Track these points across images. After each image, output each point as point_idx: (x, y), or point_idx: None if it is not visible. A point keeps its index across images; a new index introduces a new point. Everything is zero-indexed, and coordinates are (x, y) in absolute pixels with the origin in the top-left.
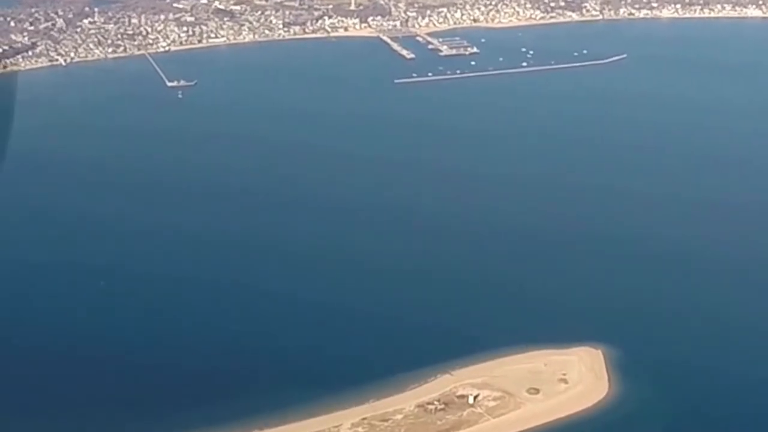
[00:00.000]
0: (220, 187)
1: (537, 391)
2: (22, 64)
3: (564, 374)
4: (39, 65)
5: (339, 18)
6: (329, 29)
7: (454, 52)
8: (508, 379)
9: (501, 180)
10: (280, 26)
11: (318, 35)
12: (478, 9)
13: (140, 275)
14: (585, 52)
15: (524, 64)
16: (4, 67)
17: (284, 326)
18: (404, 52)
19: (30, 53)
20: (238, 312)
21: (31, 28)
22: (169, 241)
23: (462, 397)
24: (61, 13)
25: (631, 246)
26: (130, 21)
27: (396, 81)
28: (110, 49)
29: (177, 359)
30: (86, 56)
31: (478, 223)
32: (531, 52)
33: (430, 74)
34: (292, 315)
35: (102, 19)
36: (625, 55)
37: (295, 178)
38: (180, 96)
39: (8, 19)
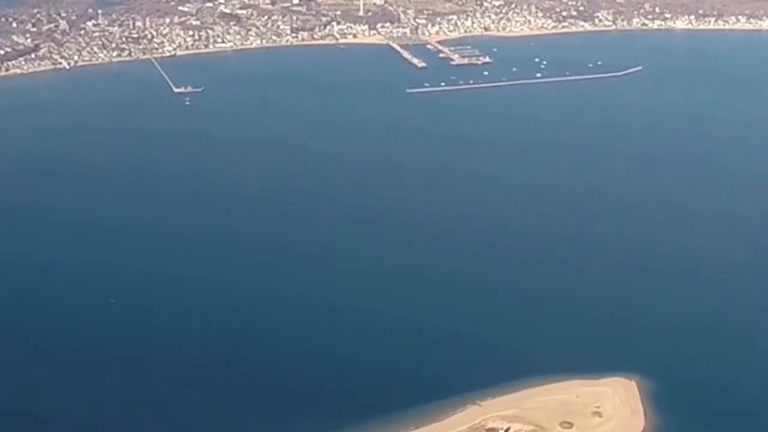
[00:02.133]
0: (243, 194)
1: (570, 425)
2: (25, 67)
3: (597, 407)
4: (42, 68)
5: (347, 24)
6: (338, 36)
7: (466, 61)
8: (539, 412)
9: (526, 190)
10: (288, 32)
11: (326, 42)
12: (489, 17)
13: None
14: (599, 63)
15: (538, 75)
16: (6, 69)
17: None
18: (415, 61)
19: (33, 56)
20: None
21: (34, 29)
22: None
23: (492, 430)
24: (64, 14)
25: (656, 261)
26: (134, 24)
27: (408, 90)
28: (115, 53)
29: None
30: (90, 60)
31: (500, 236)
32: (545, 62)
33: (442, 84)
34: (299, 339)
35: (106, 22)
36: (640, 67)
37: (314, 185)
38: (187, 102)
39: (10, 20)
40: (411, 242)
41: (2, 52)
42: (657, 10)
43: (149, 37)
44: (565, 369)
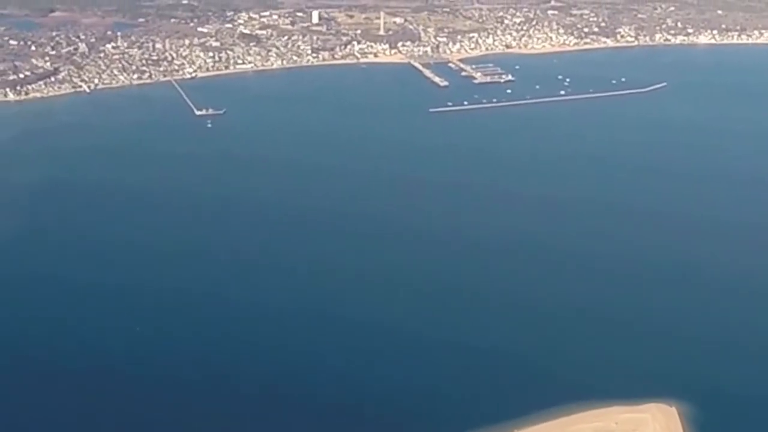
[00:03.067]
0: (273, 215)
1: None
2: (45, 91)
3: None
4: (62, 92)
5: (368, 43)
6: (358, 55)
7: (488, 79)
8: None
9: (566, 207)
10: (309, 52)
11: (347, 61)
12: (510, 35)
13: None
14: (623, 80)
15: (562, 92)
16: (27, 93)
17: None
18: (437, 79)
19: (53, 79)
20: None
21: (53, 52)
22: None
23: None
24: (83, 37)
25: (697, 279)
26: (154, 46)
27: (431, 110)
28: (135, 75)
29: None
30: (110, 82)
31: (535, 254)
32: (568, 79)
33: (465, 103)
34: (336, 361)
35: (125, 44)
36: (665, 84)
37: (345, 205)
38: (209, 125)
39: (29, 43)
40: (446, 260)
41: (22, 76)
42: (679, 25)
43: (169, 59)
44: (603, 394)
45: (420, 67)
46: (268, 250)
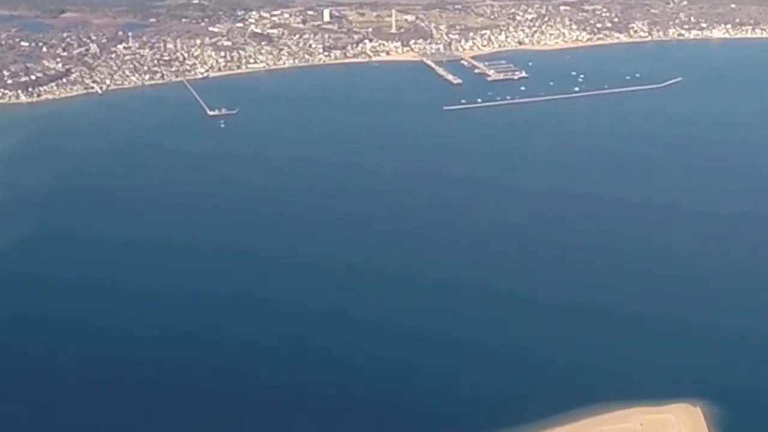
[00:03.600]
0: (297, 214)
1: None
2: (57, 92)
3: None
4: (74, 93)
5: (380, 41)
6: (371, 53)
7: (502, 76)
8: None
9: (590, 204)
10: (320, 50)
11: (359, 59)
12: (523, 31)
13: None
14: (638, 75)
15: (576, 89)
16: (38, 95)
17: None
18: (450, 77)
19: (64, 80)
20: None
21: (64, 53)
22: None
23: None
24: (94, 38)
25: (722, 277)
26: (165, 46)
27: (445, 108)
28: (147, 76)
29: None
30: (122, 83)
31: (558, 251)
32: (582, 76)
33: (479, 100)
34: (366, 360)
35: (136, 44)
36: (680, 79)
37: (371, 205)
38: (222, 125)
39: (40, 44)
40: (469, 258)
41: (34, 77)
42: (693, 19)
43: (181, 59)
44: (626, 395)
45: (433, 65)
46: (290, 249)
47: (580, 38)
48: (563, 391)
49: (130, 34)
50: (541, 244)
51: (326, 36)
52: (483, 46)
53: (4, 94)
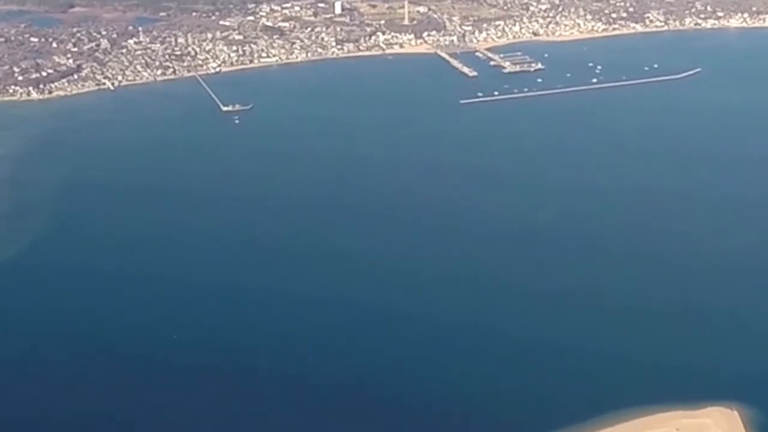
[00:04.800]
0: (317, 208)
1: None
2: (69, 89)
3: None
4: (86, 89)
5: (393, 34)
6: (384, 46)
7: (518, 68)
8: None
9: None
10: (333, 44)
11: (373, 52)
12: (537, 21)
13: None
14: (656, 66)
15: (594, 80)
16: (50, 92)
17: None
18: (466, 70)
19: (76, 76)
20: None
21: (75, 49)
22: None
23: None
24: (104, 32)
25: (750, 270)
26: (176, 41)
27: (462, 101)
28: (159, 71)
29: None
30: (134, 79)
31: (582, 246)
32: (599, 67)
33: (496, 93)
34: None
35: (147, 39)
36: (699, 69)
37: (398, 199)
38: (237, 121)
39: (50, 39)
40: (500, 254)
41: (45, 74)
42: (709, 8)
43: (193, 53)
44: (662, 398)
45: (447, 57)
46: (315, 242)
47: (595, 29)
48: (598, 394)
49: (140, 28)
50: (570, 239)
51: (338, 29)
52: (497, 37)
53: (15, 90)
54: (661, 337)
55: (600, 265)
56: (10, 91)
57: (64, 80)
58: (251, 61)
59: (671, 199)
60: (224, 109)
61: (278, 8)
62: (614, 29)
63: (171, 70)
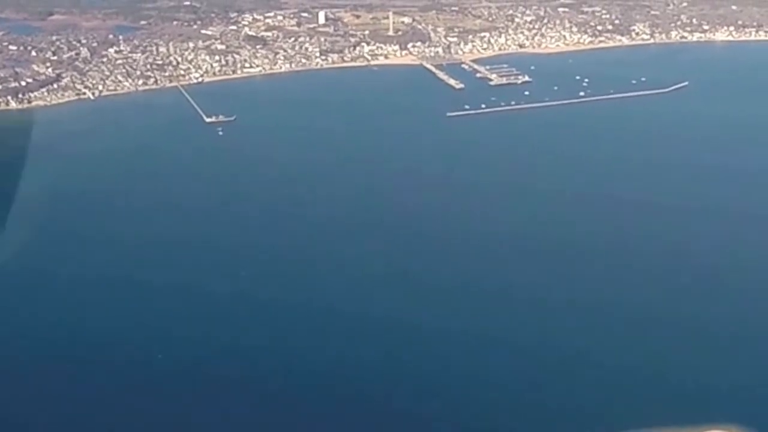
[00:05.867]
0: (308, 220)
1: None
2: (48, 98)
3: None
4: (66, 99)
5: (378, 45)
6: (369, 57)
7: (504, 81)
8: None
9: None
10: (317, 54)
11: (357, 63)
12: (523, 33)
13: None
14: (643, 79)
15: (581, 93)
16: (29, 101)
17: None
18: (452, 82)
19: (55, 86)
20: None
21: (54, 58)
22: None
23: None
24: (84, 41)
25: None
26: (158, 50)
27: (449, 114)
28: (140, 81)
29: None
30: (115, 89)
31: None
32: (586, 80)
33: (483, 106)
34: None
35: (128, 48)
36: (686, 83)
37: (391, 211)
38: (221, 133)
39: (29, 48)
40: (508, 266)
41: (24, 83)
42: (695, 21)
43: (174, 63)
44: (659, 419)
45: (433, 69)
46: (311, 254)
47: (581, 41)
48: (596, 413)
49: (120, 37)
50: (581, 250)
51: (322, 39)
52: (483, 49)
53: None
54: (662, 354)
55: (600, 276)
56: None
57: (43, 89)
58: (234, 72)
59: (658, 209)
60: (207, 120)
61: (261, 18)
62: (600, 42)
63: (152, 79)
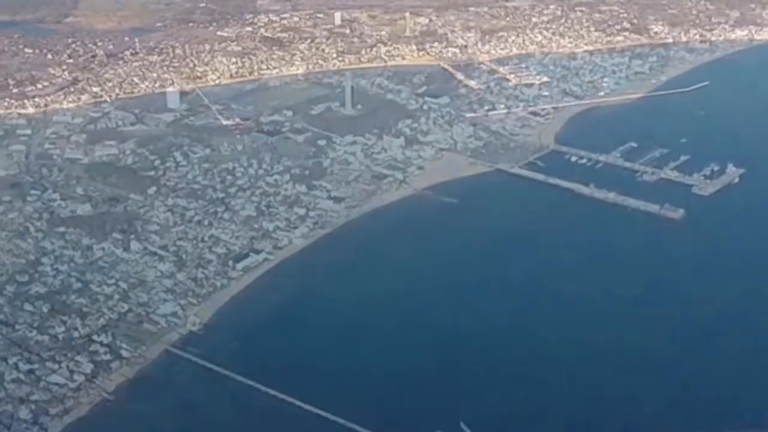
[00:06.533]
0: None
1: None
2: (65, 102)
3: None
4: (83, 103)
5: (394, 45)
6: (386, 57)
7: (523, 81)
8: None
9: None
10: (334, 55)
11: (374, 64)
12: (540, 33)
13: None
14: (663, 79)
15: (601, 93)
16: (46, 105)
17: None
18: (471, 83)
19: (72, 89)
20: None
21: (70, 61)
22: None
23: None
24: (100, 44)
25: None
26: (174, 52)
27: (468, 115)
28: (157, 83)
29: None
30: (132, 91)
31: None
32: (606, 79)
33: (502, 106)
34: None
35: (144, 51)
36: (707, 82)
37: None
38: (239, 137)
39: (44, 51)
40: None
41: (40, 87)
42: (714, 20)
43: (191, 65)
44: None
45: (451, 70)
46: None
47: (599, 40)
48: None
49: (136, 39)
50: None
51: (339, 40)
52: (501, 49)
53: (10, 104)
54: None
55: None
56: (5, 104)
57: (60, 93)
58: (251, 73)
59: None
60: (224, 123)
61: (276, 18)
62: (618, 41)
63: (169, 82)
